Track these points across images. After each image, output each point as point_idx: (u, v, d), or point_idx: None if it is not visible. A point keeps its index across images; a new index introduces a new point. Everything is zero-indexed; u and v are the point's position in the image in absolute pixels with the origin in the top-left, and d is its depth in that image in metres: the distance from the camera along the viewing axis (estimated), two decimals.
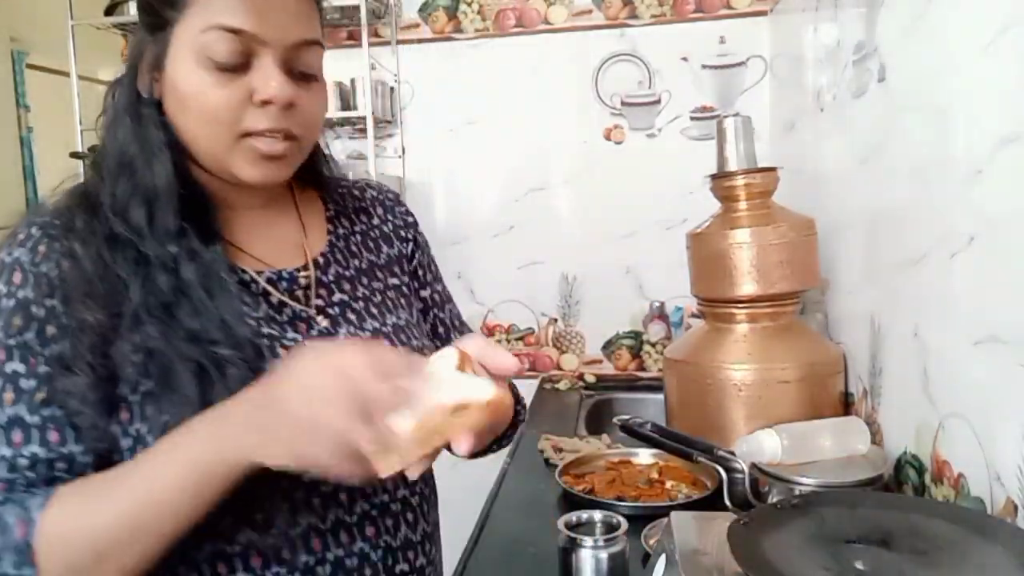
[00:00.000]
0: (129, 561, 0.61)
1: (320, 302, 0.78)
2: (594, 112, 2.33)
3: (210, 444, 0.61)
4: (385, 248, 0.88)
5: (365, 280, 0.84)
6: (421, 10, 2.39)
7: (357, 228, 0.88)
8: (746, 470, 1.13)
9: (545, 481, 1.42)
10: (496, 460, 1.56)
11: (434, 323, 0.93)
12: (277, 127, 0.70)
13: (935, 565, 0.63)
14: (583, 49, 2.32)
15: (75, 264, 0.67)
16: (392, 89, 2.38)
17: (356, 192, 0.91)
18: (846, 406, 1.45)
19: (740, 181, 1.45)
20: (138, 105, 0.73)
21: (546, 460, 1.55)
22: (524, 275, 2.40)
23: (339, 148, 2.42)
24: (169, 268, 0.68)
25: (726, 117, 1.51)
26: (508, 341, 2.43)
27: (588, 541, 0.93)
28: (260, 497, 0.66)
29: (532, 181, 2.38)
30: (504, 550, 1.17)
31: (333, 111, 2.22)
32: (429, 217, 2.39)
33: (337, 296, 0.80)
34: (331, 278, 0.81)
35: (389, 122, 2.36)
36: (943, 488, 1.02)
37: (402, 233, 0.91)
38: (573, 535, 0.94)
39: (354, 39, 2.31)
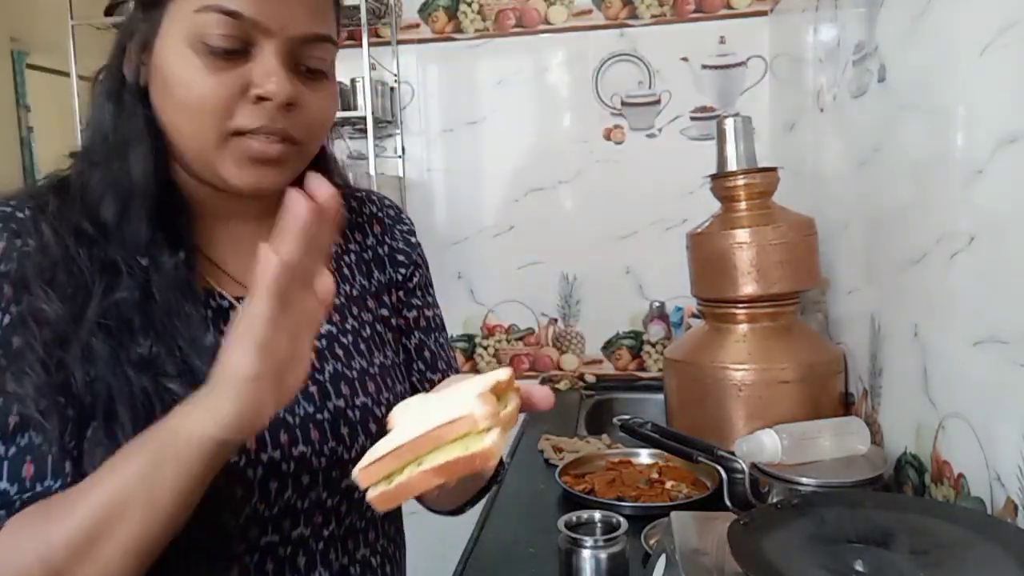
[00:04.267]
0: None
1: None
2: (594, 112, 2.33)
3: (170, 426, 0.51)
4: (376, 273, 0.79)
5: (355, 310, 0.74)
6: (421, 10, 2.39)
7: (351, 247, 0.78)
8: (746, 470, 1.13)
9: (545, 481, 1.42)
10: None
11: (417, 346, 0.82)
12: (273, 127, 0.61)
13: (935, 565, 0.63)
14: (583, 49, 2.32)
15: (41, 251, 0.60)
16: (392, 89, 2.38)
17: (354, 204, 0.81)
18: (846, 406, 1.45)
19: (740, 181, 1.45)
20: (121, 90, 0.64)
21: (546, 460, 1.55)
22: (524, 275, 2.40)
23: (339, 148, 2.42)
24: (136, 279, 0.61)
25: (726, 117, 1.51)
26: (508, 341, 2.43)
27: (588, 541, 0.93)
28: (212, 561, 0.60)
29: (532, 181, 2.38)
30: (504, 550, 1.17)
31: None
32: (429, 217, 2.39)
33: (325, 327, 0.71)
34: None
35: (389, 122, 2.36)
36: (943, 488, 1.02)
37: (399, 258, 0.81)
38: (573, 535, 0.94)
39: (354, 39, 2.31)
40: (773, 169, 1.47)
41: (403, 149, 2.42)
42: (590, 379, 2.34)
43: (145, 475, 0.51)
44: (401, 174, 2.40)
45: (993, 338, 0.88)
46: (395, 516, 0.80)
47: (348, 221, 0.79)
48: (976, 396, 0.93)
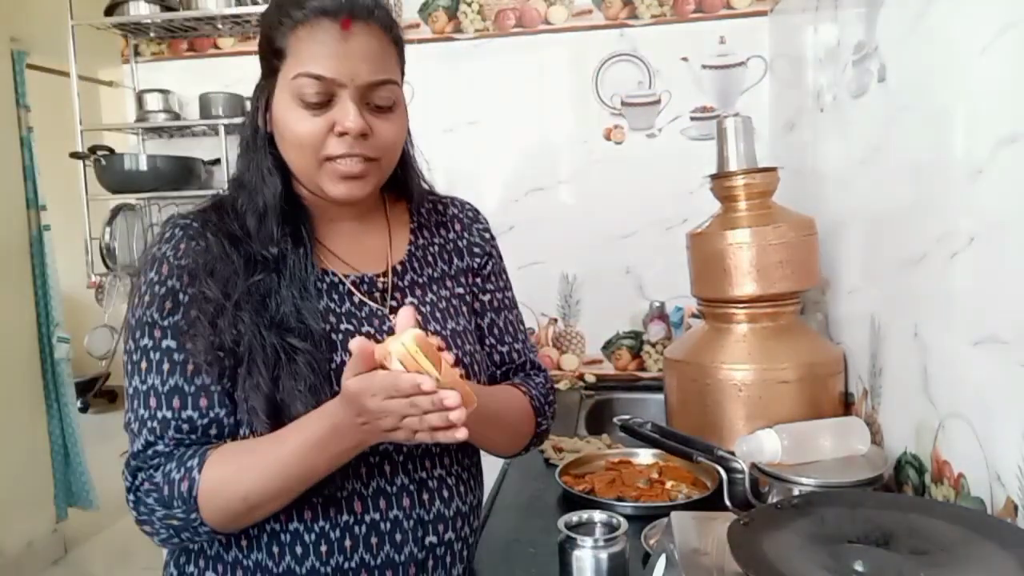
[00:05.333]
0: (273, 508, 0.81)
1: (394, 303, 0.92)
2: (594, 112, 2.33)
3: (339, 437, 0.77)
4: (456, 261, 1.01)
5: (435, 288, 0.97)
6: (421, 10, 2.39)
7: (436, 240, 1.01)
8: (746, 470, 1.13)
9: (545, 481, 1.42)
10: (496, 460, 1.56)
11: (489, 324, 1.04)
12: (352, 152, 0.83)
13: (935, 565, 0.64)
14: (583, 49, 2.32)
15: (206, 251, 0.84)
16: None
17: (440, 207, 1.06)
18: (846, 406, 1.45)
19: (740, 181, 1.45)
20: (255, 138, 0.89)
21: (546, 460, 1.55)
22: (524, 275, 2.38)
23: None
24: (270, 267, 0.85)
25: (726, 117, 1.51)
26: None
27: (588, 541, 0.93)
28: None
29: (532, 181, 2.38)
30: (504, 550, 1.17)
31: None
32: None
33: (409, 299, 0.93)
34: (406, 284, 0.95)
35: None
36: (943, 488, 1.02)
37: (476, 249, 1.04)
38: (573, 535, 0.94)
39: None
40: (773, 169, 1.47)
41: None
42: (590, 379, 2.34)
43: (312, 465, 0.78)
44: None
45: (993, 338, 0.88)
46: (471, 450, 0.98)
47: (435, 220, 1.03)
48: (976, 396, 0.93)
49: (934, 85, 1.06)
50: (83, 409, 4.65)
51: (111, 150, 2.45)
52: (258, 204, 0.87)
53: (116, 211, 2.52)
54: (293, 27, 0.83)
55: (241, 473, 0.79)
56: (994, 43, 0.87)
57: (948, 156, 1.00)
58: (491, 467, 1.51)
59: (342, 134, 0.82)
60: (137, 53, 2.57)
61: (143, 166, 2.40)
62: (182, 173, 2.41)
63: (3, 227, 3.02)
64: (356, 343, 0.74)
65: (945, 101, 1.01)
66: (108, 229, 2.49)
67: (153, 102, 2.47)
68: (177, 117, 2.50)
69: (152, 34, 2.50)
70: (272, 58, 0.85)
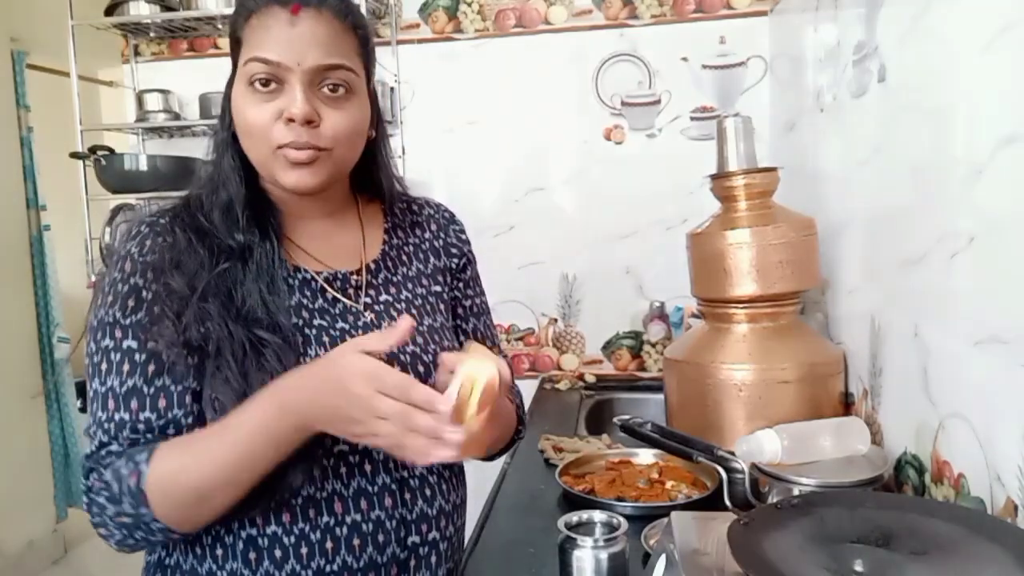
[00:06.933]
0: (224, 499, 0.77)
1: (368, 300, 0.91)
2: (594, 112, 2.33)
3: (281, 416, 0.74)
4: (433, 260, 1.01)
5: (410, 286, 0.96)
6: (421, 10, 2.39)
7: (411, 240, 1.01)
8: (746, 470, 1.13)
9: (545, 481, 1.42)
10: (496, 460, 1.56)
11: (473, 329, 1.05)
12: (299, 140, 0.81)
13: (935, 565, 0.63)
14: (583, 49, 2.32)
15: (171, 244, 0.83)
16: (392, 89, 2.38)
17: (415, 208, 1.05)
18: (846, 406, 1.45)
19: (740, 181, 1.45)
20: (224, 134, 0.88)
21: (546, 460, 1.55)
22: (524, 275, 2.40)
23: None
24: (235, 256, 0.84)
25: (726, 117, 1.51)
26: (508, 341, 2.43)
27: (588, 541, 0.93)
28: (296, 462, 0.78)
29: (532, 181, 2.38)
30: (504, 550, 1.17)
31: None
32: None
33: (383, 297, 0.93)
34: (380, 281, 0.94)
35: (389, 122, 2.36)
36: (943, 488, 1.02)
37: (452, 250, 1.03)
38: (573, 535, 0.94)
39: None
40: (773, 169, 1.47)
41: (403, 149, 2.42)
42: (590, 379, 2.34)
43: (252, 449, 0.75)
44: (401, 174, 2.40)
45: (993, 338, 0.88)
46: None
47: (410, 220, 1.02)
48: (976, 396, 0.93)
49: (934, 85, 1.06)
50: (83, 409, 4.64)
51: (111, 150, 2.45)
52: (222, 197, 0.86)
53: (116, 211, 2.53)
54: (247, 16, 0.83)
55: (189, 462, 0.76)
56: (994, 43, 0.88)
57: (948, 156, 1.00)
58: (491, 467, 1.52)
59: (289, 120, 0.81)
60: (137, 53, 2.57)
61: (143, 166, 2.40)
62: (182, 173, 2.41)
63: (3, 227, 3.01)
64: (405, 323, 0.73)
65: (945, 101, 1.01)
66: (108, 229, 2.50)
67: (153, 102, 2.47)
68: (177, 117, 2.50)
69: (152, 34, 2.51)
70: (235, 50, 0.86)
